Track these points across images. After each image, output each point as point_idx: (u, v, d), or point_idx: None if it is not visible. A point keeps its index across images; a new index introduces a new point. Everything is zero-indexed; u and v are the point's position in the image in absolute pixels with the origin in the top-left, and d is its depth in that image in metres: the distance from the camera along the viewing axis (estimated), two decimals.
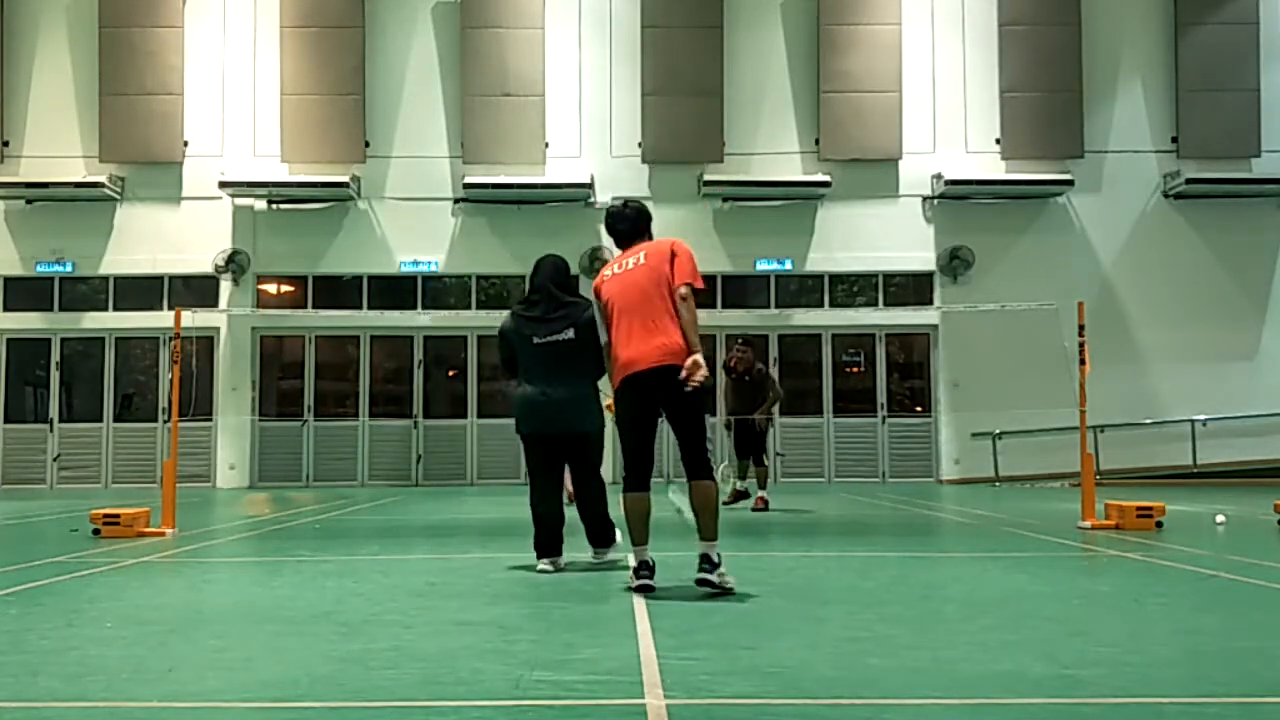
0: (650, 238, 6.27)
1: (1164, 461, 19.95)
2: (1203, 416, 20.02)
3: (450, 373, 21.10)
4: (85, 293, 20.65)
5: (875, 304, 20.76)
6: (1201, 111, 20.53)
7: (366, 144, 20.44)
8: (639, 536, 5.83)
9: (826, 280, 20.72)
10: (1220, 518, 10.64)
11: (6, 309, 20.58)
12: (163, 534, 9.34)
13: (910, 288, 20.67)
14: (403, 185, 20.49)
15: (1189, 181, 20.09)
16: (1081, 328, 10.13)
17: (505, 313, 7.27)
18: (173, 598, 5.95)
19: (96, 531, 9.26)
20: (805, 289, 20.83)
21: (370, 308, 20.51)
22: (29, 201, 20.37)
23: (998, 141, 20.58)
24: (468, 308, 20.54)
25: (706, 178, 20.03)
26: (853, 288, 20.89)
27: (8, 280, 20.60)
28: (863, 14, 20.57)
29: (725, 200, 20.42)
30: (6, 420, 20.55)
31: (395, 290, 20.57)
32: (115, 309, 20.52)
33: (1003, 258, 20.29)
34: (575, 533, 7.06)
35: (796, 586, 6.21)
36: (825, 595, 5.83)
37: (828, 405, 20.76)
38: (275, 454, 20.51)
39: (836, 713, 3.38)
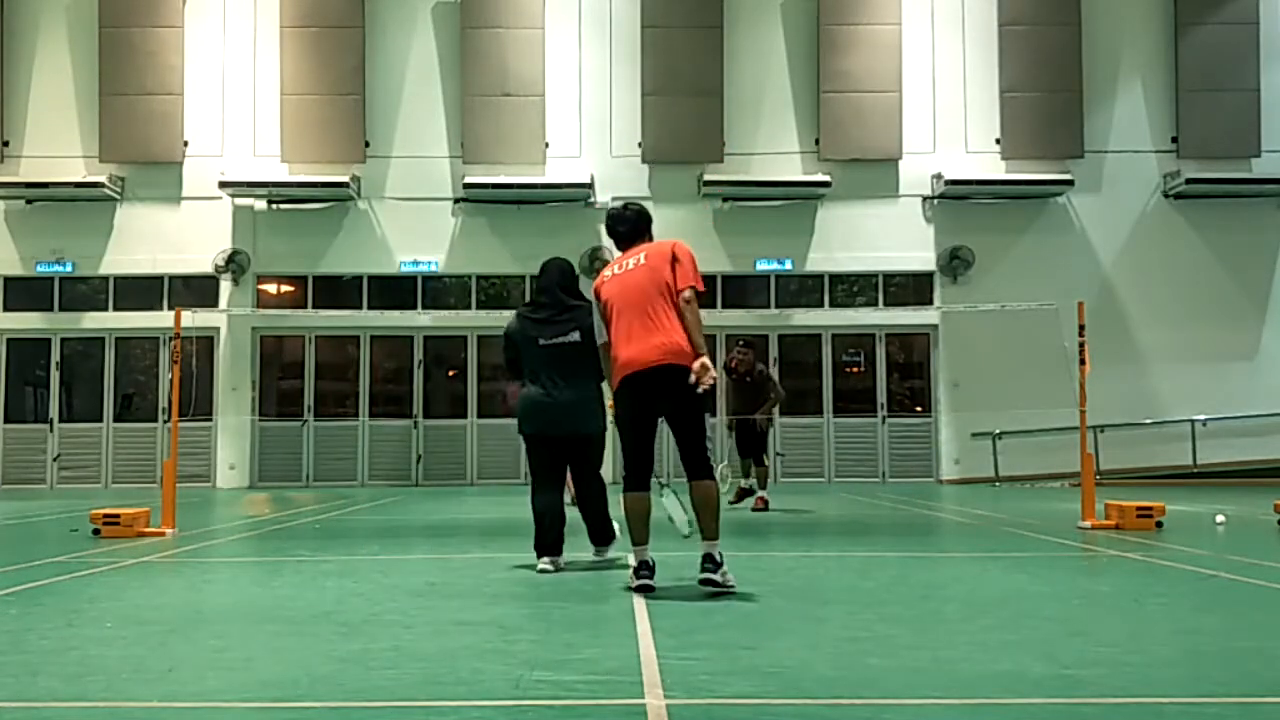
0: (650, 239, 6.29)
1: (1164, 461, 19.95)
2: (1203, 416, 20.02)
3: (450, 373, 21.10)
4: (85, 293, 20.65)
5: (875, 304, 20.76)
6: (1201, 111, 20.53)
7: (366, 144, 20.44)
8: (639, 536, 5.84)
9: (826, 280, 20.72)
10: (1220, 518, 10.64)
11: (6, 309, 20.58)
12: (163, 534, 9.34)
13: (910, 288, 20.67)
14: (403, 185, 20.49)
15: (1189, 181, 20.09)
16: (1081, 328, 10.14)
17: (505, 313, 7.31)
18: (173, 598, 5.95)
19: (96, 531, 9.26)
20: (805, 289, 20.84)
21: (370, 308, 20.51)
22: (29, 201, 20.37)
23: (998, 141, 20.58)
24: (468, 308, 20.54)
25: (706, 178, 20.03)
26: (853, 288, 20.89)
27: (8, 280, 20.60)
28: (863, 14, 20.57)
29: (725, 200, 20.43)
30: (6, 420, 20.55)
31: (395, 290, 20.57)
32: (115, 309, 20.52)
33: (1003, 258, 20.29)
34: (575, 532, 7.07)
35: (796, 586, 6.21)
36: (825, 595, 5.83)
37: (828, 405, 20.76)
38: (275, 454, 20.51)
39: (836, 713, 3.38)
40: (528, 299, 7.72)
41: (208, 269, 20.24)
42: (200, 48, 20.59)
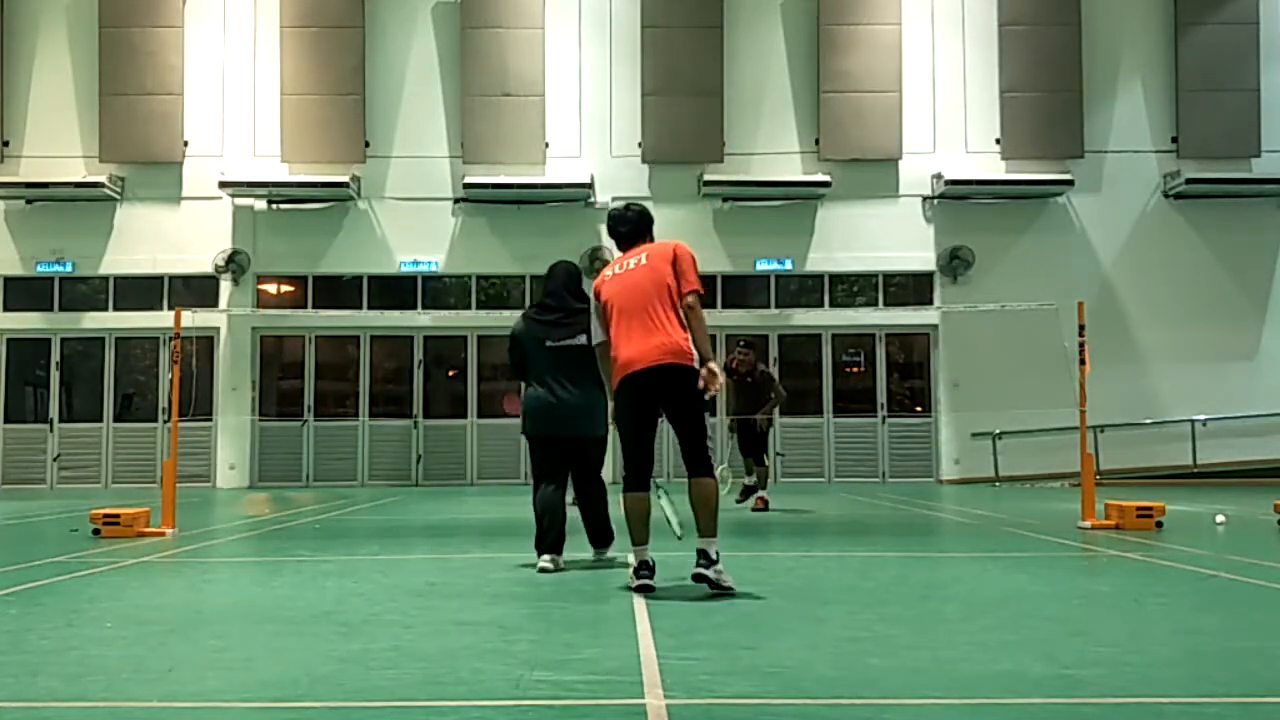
0: (652, 240, 6.31)
1: (1164, 461, 19.95)
2: (1203, 416, 20.02)
3: (450, 373, 21.10)
4: (85, 293, 20.66)
5: (875, 304, 20.76)
6: (1201, 111, 20.53)
7: (366, 144, 20.44)
8: (639, 536, 5.84)
9: (826, 280, 20.72)
10: (1220, 518, 10.64)
11: (6, 309, 20.58)
12: (163, 534, 9.34)
13: (910, 288, 20.67)
14: (403, 185, 20.49)
15: (1189, 181, 20.09)
16: (1081, 328, 10.14)
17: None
18: (173, 598, 5.95)
19: (96, 531, 9.26)
20: (805, 289, 20.84)
21: (370, 308, 20.51)
22: (29, 201, 20.37)
23: (998, 141, 20.58)
24: (468, 308, 20.54)
25: (706, 178, 20.03)
26: (853, 288, 20.89)
27: (8, 280, 20.60)
28: (863, 14, 20.57)
29: (725, 200, 20.43)
30: (6, 420, 20.55)
31: (395, 290, 20.57)
32: (115, 309, 20.52)
33: (1003, 258, 20.29)
34: (575, 532, 7.08)
35: (796, 586, 6.21)
36: (825, 595, 5.83)
37: (828, 405, 20.76)
38: (275, 454, 20.51)
39: (836, 713, 3.38)
40: (532, 301, 7.76)
41: (208, 269, 20.24)
42: (200, 48, 20.59)
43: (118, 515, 9.36)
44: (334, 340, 21.00)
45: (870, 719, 3.33)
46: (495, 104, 20.28)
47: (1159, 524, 9.55)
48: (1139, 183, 20.67)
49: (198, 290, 20.16)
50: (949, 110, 20.65)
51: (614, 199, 18.78)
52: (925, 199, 20.53)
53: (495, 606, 5.49)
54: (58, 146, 20.39)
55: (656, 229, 6.49)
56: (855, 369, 21.16)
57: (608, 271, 6.16)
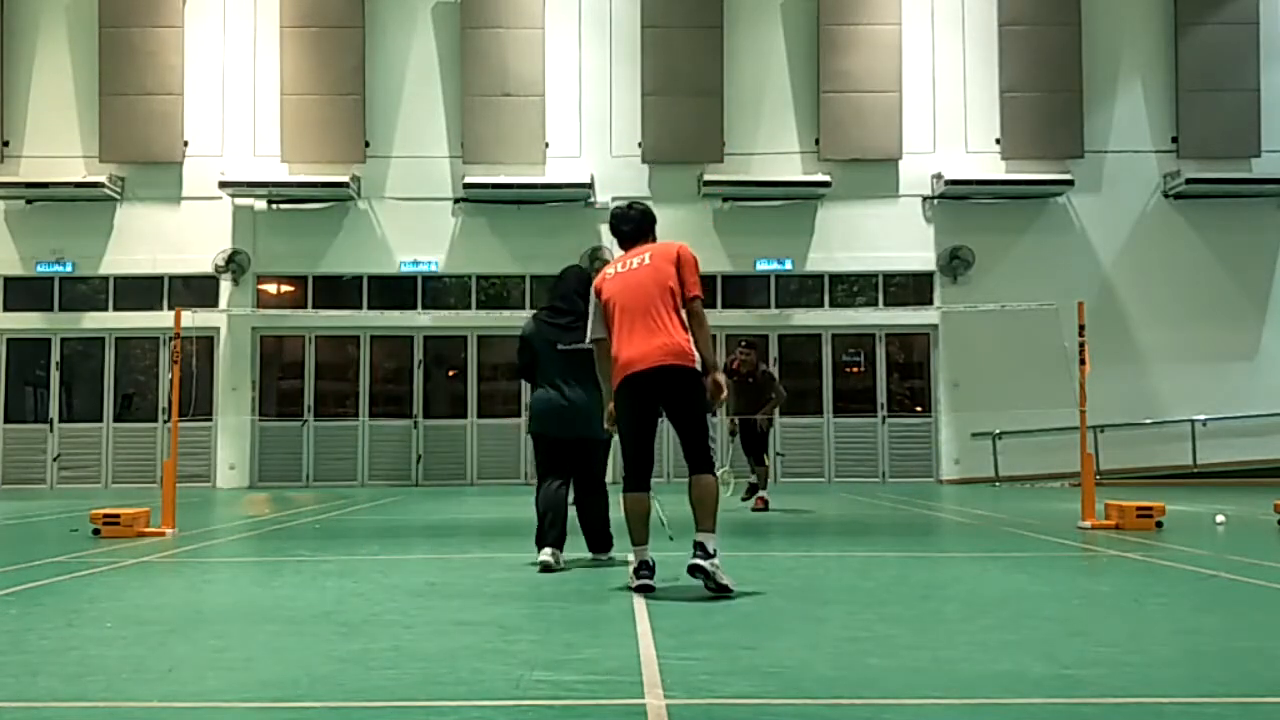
0: (654, 239, 6.30)
1: (1164, 461, 19.95)
2: (1203, 416, 20.02)
3: (450, 373, 21.10)
4: (85, 293, 20.65)
5: (875, 304, 20.76)
6: (1201, 111, 20.53)
7: (366, 144, 20.44)
8: (639, 537, 5.84)
9: (826, 280, 20.72)
10: (1220, 518, 10.64)
11: (6, 309, 20.58)
12: (163, 534, 9.34)
13: (910, 288, 20.67)
14: (403, 185, 20.49)
15: (1189, 181, 20.09)
16: (1081, 328, 10.14)
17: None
18: (173, 598, 5.95)
19: (96, 531, 9.26)
20: (805, 289, 20.84)
21: (370, 308, 20.51)
22: (29, 201, 20.37)
23: (998, 141, 20.58)
24: (468, 308, 20.53)
25: (706, 178, 20.04)
26: (853, 288, 20.89)
27: (8, 280, 20.60)
28: (863, 14, 20.57)
29: (725, 200, 20.43)
30: (6, 420, 20.55)
31: (395, 290, 20.57)
32: (115, 309, 20.52)
33: (1003, 258, 20.29)
34: (575, 532, 7.10)
35: (796, 586, 6.21)
36: (825, 595, 5.83)
37: (828, 405, 20.76)
38: (275, 454, 20.51)
39: (836, 713, 3.38)
40: (533, 302, 7.80)
41: (208, 269, 20.24)
42: (200, 48, 20.59)
43: (118, 515, 9.36)
44: (334, 340, 21.00)
45: (870, 719, 3.33)
46: (495, 104, 20.28)
47: (1159, 524, 9.55)
48: (1139, 183, 20.67)
49: (198, 290, 20.16)
50: (949, 110, 20.65)
51: (614, 199, 18.78)
52: (925, 199, 20.53)
53: (495, 606, 5.48)
54: (58, 146, 20.39)
55: (656, 229, 6.49)
56: (855, 369, 21.16)
57: (609, 270, 6.15)
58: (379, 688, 3.67)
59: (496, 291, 20.69)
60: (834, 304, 20.72)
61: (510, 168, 20.16)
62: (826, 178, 20.13)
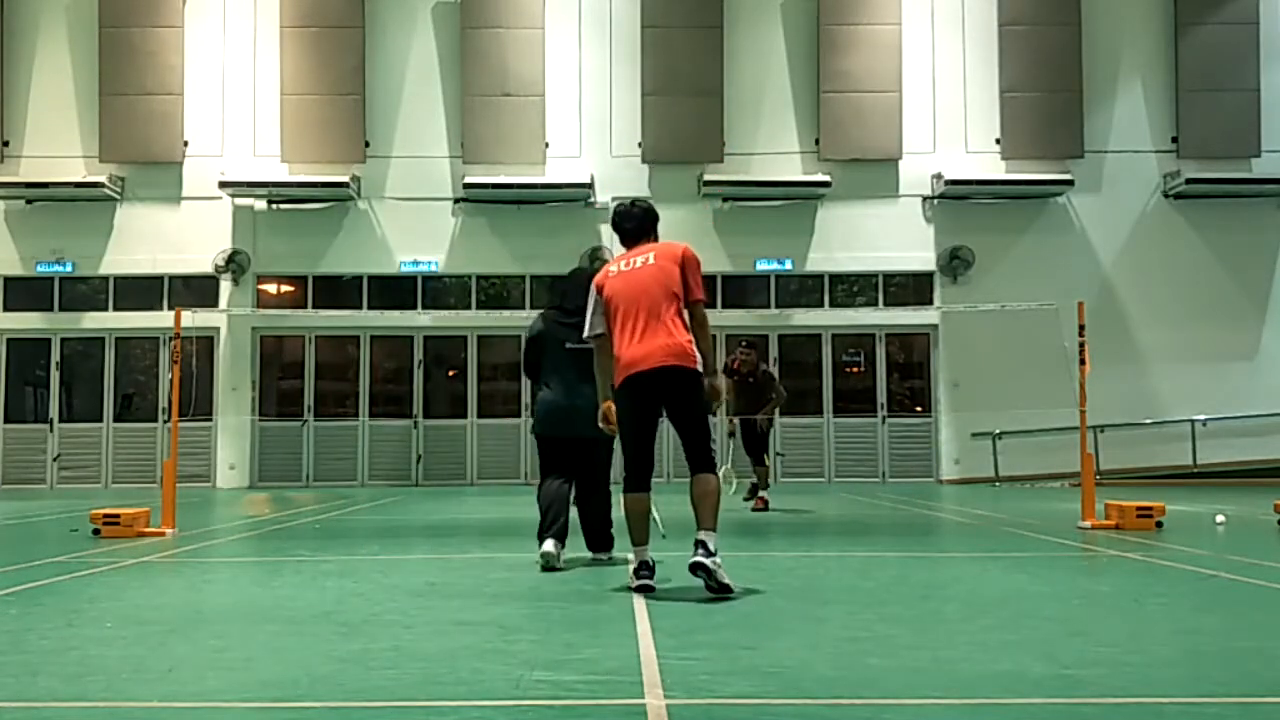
0: (656, 238, 6.30)
1: (1164, 461, 19.95)
2: (1203, 416, 20.02)
3: (450, 373, 21.09)
4: (85, 293, 20.65)
5: (875, 304, 20.76)
6: (1201, 111, 20.53)
7: (366, 144, 20.44)
8: (639, 537, 5.83)
9: (826, 280, 20.72)
10: (1220, 518, 10.64)
11: (6, 309, 20.58)
12: (163, 534, 9.34)
13: (910, 288, 20.67)
14: (403, 185, 20.49)
15: (1189, 181, 20.09)
16: (1081, 328, 10.14)
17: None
18: (173, 598, 5.95)
19: (96, 531, 9.26)
20: (805, 289, 20.84)
21: (370, 308, 20.51)
22: (29, 201, 20.37)
23: (998, 141, 20.58)
24: (468, 308, 20.53)
25: (706, 178, 20.04)
26: (853, 288, 20.89)
27: (8, 280, 20.60)
28: (863, 14, 20.57)
29: (725, 200, 20.43)
30: (6, 420, 20.55)
31: (395, 290, 20.57)
32: (115, 309, 20.52)
33: (1003, 258, 20.29)
34: (576, 533, 7.10)
35: (796, 586, 6.21)
36: (825, 595, 5.83)
37: (828, 405, 20.76)
38: (275, 454, 20.51)
39: (836, 713, 3.38)
40: (534, 302, 7.81)
41: (208, 269, 20.24)
42: (200, 48, 20.59)
43: (118, 515, 9.36)
44: (334, 340, 21.00)
45: (870, 719, 3.33)
46: (495, 104, 20.28)
47: (1159, 524, 9.55)
48: (1139, 183, 20.67)
49: (198, 290, 20.16)
50: (949, 110, 20.65)
51: (614, 199, 18.76)
52: (925, 199, 20.53)
53: (495, 606, 5.48)
54: (58, 146, 20.39)
55: (658, 228, 6.49)
56: (855, 369, 21.16)
57: (612, 267, 6.15)
58: (379, 688, 3.67)
59: (496, 291, 20.69)
60: (834, 304, 20.72)
61: (510, 168, 20.16)
62: (826, 178, 20.13)
